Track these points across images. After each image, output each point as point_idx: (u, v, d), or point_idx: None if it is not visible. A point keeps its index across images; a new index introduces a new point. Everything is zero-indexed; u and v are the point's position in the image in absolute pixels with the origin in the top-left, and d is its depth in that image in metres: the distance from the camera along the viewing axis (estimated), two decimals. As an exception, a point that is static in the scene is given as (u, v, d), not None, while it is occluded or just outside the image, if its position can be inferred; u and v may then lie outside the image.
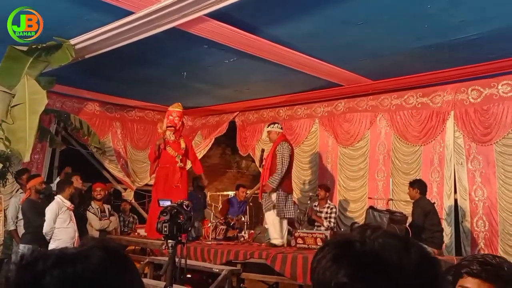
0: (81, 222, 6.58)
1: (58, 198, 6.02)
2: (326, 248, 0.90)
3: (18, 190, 7.21)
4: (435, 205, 6.50)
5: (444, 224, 6.64)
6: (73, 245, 5.75)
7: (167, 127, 6.95)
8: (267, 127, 6.71)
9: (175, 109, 7.08)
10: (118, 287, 0.84)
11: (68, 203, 6.02)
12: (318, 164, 8.69)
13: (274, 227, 6.34)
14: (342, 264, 0.84)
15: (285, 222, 6.46)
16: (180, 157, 6.95)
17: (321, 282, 0.87)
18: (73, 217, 6.05)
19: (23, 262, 0.82)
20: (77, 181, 6.79)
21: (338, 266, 0.84)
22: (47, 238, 5.88)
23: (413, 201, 6.52)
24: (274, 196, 6.30)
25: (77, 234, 5.97)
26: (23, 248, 6.08)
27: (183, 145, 7.06)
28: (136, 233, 8.05)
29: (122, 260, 0.88)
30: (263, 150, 6.73)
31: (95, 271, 0.81)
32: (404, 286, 0.83)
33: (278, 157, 6.31)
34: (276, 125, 6.63)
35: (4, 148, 5.90)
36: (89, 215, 6.95)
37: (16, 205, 6.69)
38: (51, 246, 5.81)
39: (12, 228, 6.73)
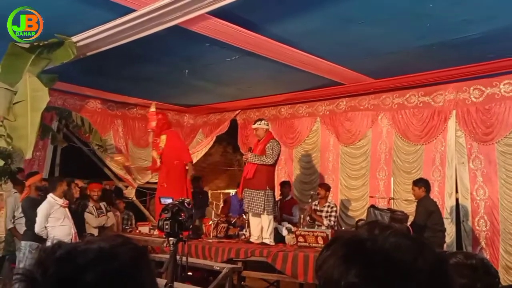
0: (80, 220, 6.57)
1: (50, 197, 5.96)
2: (333, 245, 0.87)
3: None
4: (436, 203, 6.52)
5: (445, 223, 6.64)
6: (71, 241, 5.76)
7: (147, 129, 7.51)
8: (254, 124, 6.76)
9: (151, 110, 7.50)
10: (145, 283, 0.89)
11: (60, 201, 5.95)
12: (319, 163, 8.69)
13: (269, 227, 6.37)
14: (353, 264, 0.81)
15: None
16: (159, 156, 7.16)
17: (329, 281, 0.84)
18: (69, 214, 6.02)
19: (58, 254, 0.84)
20: (75, 189, 6.81)
21: (348, 266, 0.81)
22: (44, 236, 5.88)
23: (416, 200, 6.52)
24: (261, 196, 6.31)
25: (73, 231, 5.93)
26: (24, 245, 6.09)
27: (161, 143, 7.19)
28: (137, 231, 8.07)
29: (146, 257, 0.94)
30: (250, 148, 6.72)
31: (129, 267, 0.86)
32: (418, 286, 0.80)
33: (267, 151, 6.41)
34: (263, 121, 6.72)
35: (5, 145, 5.91)
36: (86, 215, 6.94)
37: (12, 204, 6.71)
38: (48, 244, 5.81)
39: (10, 226, 6.75)
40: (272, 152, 6.40)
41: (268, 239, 6.28)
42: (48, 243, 5.80)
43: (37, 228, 5.83)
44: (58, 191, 6.00)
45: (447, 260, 0.89)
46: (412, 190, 6.53)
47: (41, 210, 5.87)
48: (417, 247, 0.83)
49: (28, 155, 5.84)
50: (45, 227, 5.84)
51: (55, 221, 5.87)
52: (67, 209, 6.03)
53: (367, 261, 0.81)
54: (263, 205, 6.28)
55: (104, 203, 7.33)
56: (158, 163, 7.19)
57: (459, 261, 1.62)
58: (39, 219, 5.83)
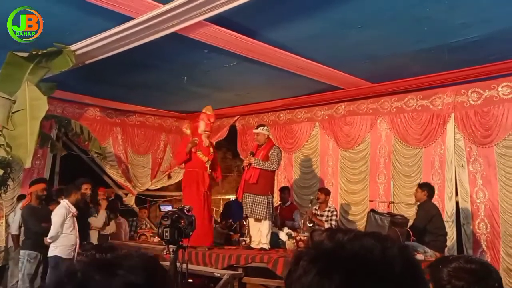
0: (84, 228, 6.57)
1: (65, 203, 5.98)
2: (301, 262, 0.84)
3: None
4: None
5: (446, 226, 6.63)
6: (74, 251, 5.75)
7: (204, 131, 6.82)
8: (256, 129, 6.83)
9: (212, 113, 7.01)
10: None
11: (73, 209, 5.99)
12: (319, 168, 8.69)
13: (268, 232, 6.41)
14: (332, 277, 0.79)
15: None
16: (210, 162, 6.78)
17: None
18: (76, 224, 6.03)
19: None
20: (86, 190, 6.76)
21: (328, 280, 0.79)
22: (50, 242, 5.84)
23: (417, 203, 6.54)
24: (264, 201, 6.37)
25: (78, 241, 5.94)
26: (23, 254, 6.08)
27: (211, 150, 6.92)
28: (140, 239, 8.11)
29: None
30: (252, 153, 6.73)
31: None
32: (395, 281, 0.80)
33: (271, 157, 6.50)
34: (265, 127, 6.83)
35: (5, 154, 5.90)
36: (90, 219, 6.96)
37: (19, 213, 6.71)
38: (52, 252, 5.80)
39: (14, 233, 6.73)
40: (277, 159, 6.53)
41: (266, 245, 6.36)
42: (52, 252, 5.78)
43: (53, 232, 5.79)
44: (72, 198, 6.01)
45: (407, 247, 0.89)
46: (415, 191, 6.56)
47: (59, 214, 5.87)
48: (381, 242, 0.83)
49: (28, 164, 5.82)
50: (59, 233, 5.81)
51: (66, 228, 5.88)
52: (75, 219, 6.04)
53: (344, 270, 0.79)
54: (265, 210, 6.34)
55: (107, 211, 7.35)
56: (209, 170, 6.78)
57: (459, 265, 1.64)
58: (55, 223, 5.81)
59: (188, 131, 6.95)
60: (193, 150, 6.68)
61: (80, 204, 6.39)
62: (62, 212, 5.88)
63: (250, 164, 6.53)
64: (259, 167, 6.43)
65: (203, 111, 6.96)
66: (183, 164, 6.94)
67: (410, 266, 0.83)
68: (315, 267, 0.81)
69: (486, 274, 1.61)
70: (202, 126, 6.85)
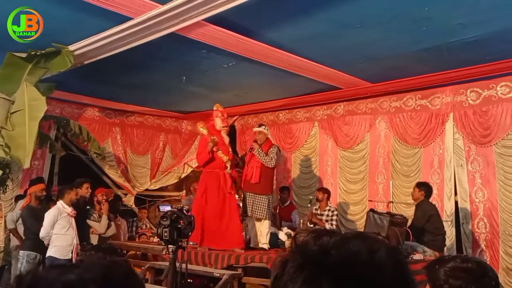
0: (83, 229, 6.56)
1: (59, 203, 5.96)
2: (287, 269, 0.82)
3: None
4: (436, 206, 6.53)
5: (445, 226, 6.64)
6: (72, 252, 5.74)
7: (223, 126, 6.69)
8: (258, 127, 6.87)
9: (223, 108, 6.83)
10: None
11: (69, 209, 5.94)
12: (318, 167, 8.70)
13: (267, 232, 6.45)
14: (319, 285, 0.77)
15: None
16: (230, 162, 6.57)
17: None
18: (74, 224, 5.99)
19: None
20: (86, 189, 6.73)
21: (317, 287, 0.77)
22: (45, 243, 5.84)
23: (415, 203, 6.54)
24: (265, 201, 6.41)
25: (75, 241, 5.87)
26: (22, 254, 6.07)
27: (230, 149, 6.74)
28: (140, 239, 8.12)
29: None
30: (256, 141, 6.73)
31: None
32: (384, 285, 0.78)
33: (271, 154, 6.56)
34: (266, 127, 6.96)
35: (4, 155, 5.90)
36: (91, 223, 6.94)
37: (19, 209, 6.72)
38: (49, 252, 5.78)
39: (11, 226, 6.72)
40: (276, 156, 6.60)
41: (266, 244, 6.38)
42: (48, 253, 5.78)
43: (43, 233, 5.78)
44: (66, 199, 5.98)
45: (396, 248, 0.88)
46: (412, 190, 6.56)
47: (49, 215, 5.84)
48: (368, 245, 0.81)
49: (26, 165, 5.83)
50: (50, 233, 5.80)
51: (60, 229, 5.83)
52: (73, 219, 6.00)
53: (331, 277, 0.77)
54: (266, 210, 6.38)
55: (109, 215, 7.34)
56: (229, 168, 6.55)
57: (456, 265, 1.64)
58: (45, 224, 5.79)
59: (205, 131, 6.72)
60: (214, 149, 6.49)
61: (80, 204, 6.38)
62: (54, 213, 5.84)
63: (251, 149, 6.59)
64: (259, 158, 6.49)
65: (214, 108, 6.84)
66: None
67: (399, 268, 0.82)
68: (301, 275, 0.79)
69: (482, 273, 1.61)
70: (219, 122, 6.70)
